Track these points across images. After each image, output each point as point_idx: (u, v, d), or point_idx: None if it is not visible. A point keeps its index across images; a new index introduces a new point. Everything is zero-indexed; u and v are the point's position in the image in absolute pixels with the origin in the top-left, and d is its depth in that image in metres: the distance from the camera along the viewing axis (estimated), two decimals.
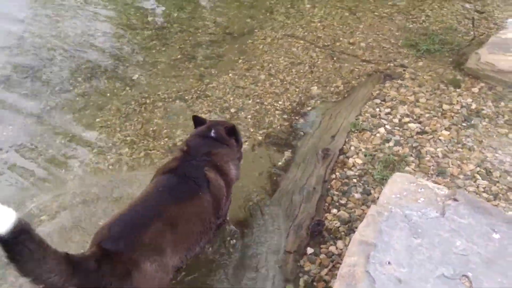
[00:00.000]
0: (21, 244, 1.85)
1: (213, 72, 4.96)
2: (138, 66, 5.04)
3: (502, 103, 4.32)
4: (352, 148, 3.91)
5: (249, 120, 4.35)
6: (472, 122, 4.11)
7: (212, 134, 3.02)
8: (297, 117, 4.33)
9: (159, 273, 2.33)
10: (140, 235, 2.30)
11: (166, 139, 4.14)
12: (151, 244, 2.31)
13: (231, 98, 4.60)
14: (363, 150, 3.88)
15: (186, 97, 4.53)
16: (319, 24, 5.74)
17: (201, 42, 5.48)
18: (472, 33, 5.42)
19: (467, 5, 6.09)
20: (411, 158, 3.78)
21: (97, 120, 4.39)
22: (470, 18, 5.78)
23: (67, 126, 4.29)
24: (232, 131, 3.07)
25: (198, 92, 4.66)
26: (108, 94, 4.66)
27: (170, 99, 4.56)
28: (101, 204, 3.47)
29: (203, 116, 3.95)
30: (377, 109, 4.32)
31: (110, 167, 3.90)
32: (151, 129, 4.27)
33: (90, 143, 4.13)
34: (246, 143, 4.05)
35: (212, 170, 2.81)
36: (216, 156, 2.91)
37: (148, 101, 4.56)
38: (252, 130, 4.23)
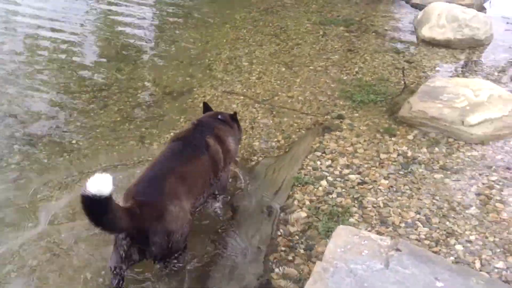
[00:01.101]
0: (109, 202, 2.46)
1: (154, 132, 4.92)
2: (77, 131, 4.92)
3: (436, 149, 4.50)
4: (296, 202, 3.93)
5: None
6: (409, 169, 4.24)
7: (219, 116, 3.84)
8: (241, 173, 4.33)
9: (182, 213, 3.03)
10: (162, 187, 3.00)
11: None
12: (171, 193, 3.02)
13: None
14: (307, 203, 3.91)
15: (128, 163, 4.43)
16: (257, 79, 5.86)
17: (140, 103, 5.44)
18: (402, 82, 5.67)
19: (397, 56, 6.42)
20: (355, 209, 3.84)
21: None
22: (400, 68, 6.08)
23: None
24: (235, 117, 3.92)
25: (140, 155, 4.58)
26: (46, 160, 4.48)
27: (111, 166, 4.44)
28: None
29: None
30: (318, 162, 4.39)
31: None
32: None
33: None
34: None
35: (212, 138, 3.55)
36: (218, 130, 3.67)
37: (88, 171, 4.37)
38: None
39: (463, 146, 4.55)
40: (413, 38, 7.06)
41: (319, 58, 6.44)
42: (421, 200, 3.91)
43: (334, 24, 7.55)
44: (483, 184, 4.08)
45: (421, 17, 7.16)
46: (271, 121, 5.04)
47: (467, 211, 3.80)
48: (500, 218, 3.73)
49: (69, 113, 5.23)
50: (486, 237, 3.55)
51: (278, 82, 5.82)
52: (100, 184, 2.37)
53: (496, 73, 6.06)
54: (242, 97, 5.50)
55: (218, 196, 3.86)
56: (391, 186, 4.07)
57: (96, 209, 2.45)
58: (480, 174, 4.18)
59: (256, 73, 6.01)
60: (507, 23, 7.66)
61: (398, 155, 4.43)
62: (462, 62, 6.38)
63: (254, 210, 3.88)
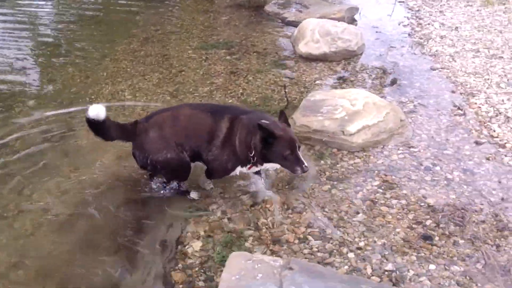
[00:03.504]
0: (105, 123, 3.74)
1: (34, 180, 4.60)
2: None
3: (322, 161, 4.65)
4: (189, 234, 3.85)
5: None
6: (299, 184, 4.33)
7: (262, 121, 3.70)
8: None
9: (160, 141, 3.89)
10: (154, 118, 3.98)
11: None
12: (158, 122, 3.93)
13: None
14: (201, 234, 3.84)
15: (5, 214, 4.11)
16: (142, 111, 5.70)
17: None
18: (285, 99, 5.82)
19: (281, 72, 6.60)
20: (250, 232, 3.83)
21: None
22: (282, 86, 6.24)
23: None
24: (265, 131, 3.67)
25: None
26: None
27: None
28: None
29: None
30: (210, 186, 4.35)
31: None
32: None
33: None
34: None
35: (229, 122, 3.88)
36: (238, 122, 3.87)
37: None
38: None
39: (346, 155, 4.75)
40: (292, 55, 7.30)
41: (203, 83, 6.44)
42: (313, 213, 4.00)
43: (216, 48, 7.61)
44: (368, 190, 4.27)
45: (297, 33, 7.42)
46: None
47: (355, 219, 3.94)
48: (386, 220, 3.91)
49: None
50: (375, 242, 3.70)
51: None
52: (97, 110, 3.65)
53: (370, 81, 6.42)
54: None
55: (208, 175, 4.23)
56: (284, 204, 4.12)
57: (95, 126, 3.74)
58: (363, 181, 4.37)
59: (140, 106, 5.87)
60: (376, 32, 8.18)
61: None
62: (339, 74, 6.67)
63: (146, 248, 3.74)
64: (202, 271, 3.51)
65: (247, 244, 3.70)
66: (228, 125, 3.89)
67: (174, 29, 8.59)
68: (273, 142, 3.68)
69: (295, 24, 8.12)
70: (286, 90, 6.03)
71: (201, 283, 3.41)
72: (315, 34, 7.10)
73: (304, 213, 4.01)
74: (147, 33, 8.37)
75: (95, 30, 8.72)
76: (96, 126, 3.75)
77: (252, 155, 3.81)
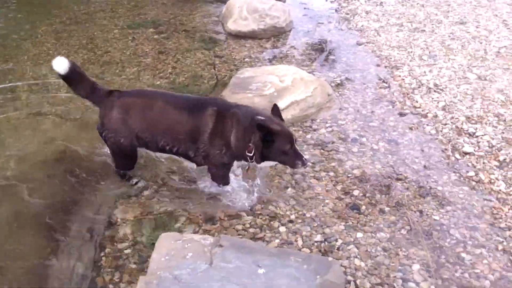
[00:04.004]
0: (73, 77, 3.77)
1: None
2: None
3: None
4: (119, 217, 3.77)
5: None
6: None
7: (258, 117, 3.51)
8: None
9: (120, 123, 3.76)
10: (125, 98, 3.81)
11: None
12: (127, 105, 3.76)
13: None
14: (132, 217, 3.77)
15: None
16: (66, 96, 5.50)
17: None
18: (215, 77, 5.78)
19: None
20: (180, 213, 3.81)
21: None
22: (211, 64, 6.19)
23: None
24: (263, 130, 3.44)
25: None
26: None
27: None
28: None
29: None
30: (139, 172, 4.27)
31: None
32: None
33: None
34: None
35: (215, 115, 3.62)
36: (229, 114, 3.62)
37: None
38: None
39: None
40: (221, 33, 7.25)
41: (130, 64, 6.28)
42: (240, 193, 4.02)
43: (143, 27, 7.42)
44: None
45: (225, 11, 7.37)
46: (90, 136, 4.74)
47: (285, 193, 4.00)
48: (315, 193, 4.00)
49: None
50: (304, 214, 3.78)
51: None
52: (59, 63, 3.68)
53: (299, 57, 6.48)
54: (51, 117, 5.12)
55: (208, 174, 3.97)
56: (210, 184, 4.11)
57: (65, 80, 3.81)
58: None
59: (64, 89, 5.63)
60: (304, 8, 8.25)
61: None
62: (268, 51, 6.69)
63: (74, 232, 3.64)
64: (133, 254, 3.45)
65: (178, 225, 3.67)
66: (215, 118, 3.61)
67: (99, 8, 8.27)
68: (273, 139, 3.48)
69: (224, 1, 8.04)
70: (216, 68, 5.99)
71: (132, 266, 3.35)
72: (243, 11, 7.07)
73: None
74: (70, 13, 8.02)
75: (13, 11, 8.24)
76: (65, 80, 3.80)
77: (252, 154, 3.57)
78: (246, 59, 6.42)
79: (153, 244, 3.35)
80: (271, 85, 5.06)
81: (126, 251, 3.47)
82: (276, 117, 3.66)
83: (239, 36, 7.03)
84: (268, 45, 6.88)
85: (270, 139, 3.46)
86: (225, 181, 3.93)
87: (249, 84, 5.15)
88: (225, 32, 7.20)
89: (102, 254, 3.45)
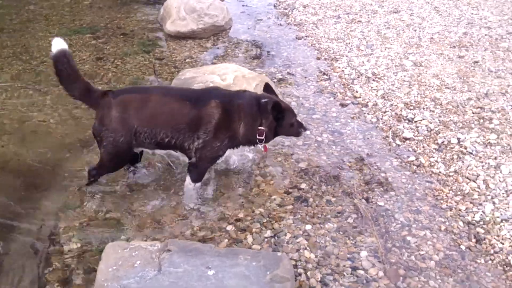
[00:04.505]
0: (62, 65, 3.56)
1: None
2: None
3: None
4: (63, 229, 3.66)
5: None
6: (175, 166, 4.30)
7: (262, 101, 3.71)
8: None
9: (118, 122, 3.64)
10: (122, 96, 3.70)
11: None
12: (122, 103, 3.65)
13: None
14: (77, 228, 3.68)
15: None
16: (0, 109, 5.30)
17: None
18: (156, 79, 5.71)
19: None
20: (128, 220, 3.74)
21: None
22: (152, 67, 6.11)
23: None
24: (275, 109, 3.66)
25: None
26: None
27: None
28: None
29: None
30: (85, 180, 4.16)
31: None
32: None
33: None
34: None
35: (220, 106, 3.64)
36: (235, 106, 3.68)
37: None
38: None
39: None
40: (160, 35, 7.16)
41: None
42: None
43: (80, 33, 7.23)
44: (243, 162, 4.34)
45: (163, 12, 7.29)
46: (25, 152, 4.60)
47: (235, 193, 4.00)
48: (261, 190, 4.02)
49: None
50: (253, 211, 3.79)
51: (26, 107, 5.34)
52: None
53: (240, 54, 6.51)
54: None
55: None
56: (156, 189, 4.07)
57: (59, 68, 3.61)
58: (241, 155, 4.42)
59: None
60: (243, 5, 8.26)
61: None
62: (209, 50, 6.67)
63: (16, 250, 3.51)
64: (80, 266, 3.36)
65: (125, 233, 3.61)
66: (220, 111, 3.64)
67: (32, 17, 7.99)
68: (283, 116, 3.75)
69: (161, 2, 7.93)
70: (156, 71, 5.92)
71: (80, 278, 3.27)
72: (181, 11, 7.01)
73: (181, 193, 3.99)
74: (1, 23, 7.72)
75: None
76: (57, 69, 3.62)
77: (263, 137, 3.73)
78: (187, 60, 6.38)
79: (101, 253, 3.30)
80: (213, 84, 5.03)
81: (73, 264, 3.38)
82: (272, 94, 3.92)
83: (178, 37, 6.97)
84: (208, 44, 6.86)
85: (281, 116, 3.73)
86: (200, 178, 3.92)
87: (190, 84, 5.11)
88: (164, 34, 7.12)
89: (47, 269, 3.34)
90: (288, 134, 4.03)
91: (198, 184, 3.90)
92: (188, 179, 3.87)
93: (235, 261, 2.88)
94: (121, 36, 7.14)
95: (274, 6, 8.22)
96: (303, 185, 4.09)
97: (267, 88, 3.96)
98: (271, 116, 3.67)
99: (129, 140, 3.68)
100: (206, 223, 3.69)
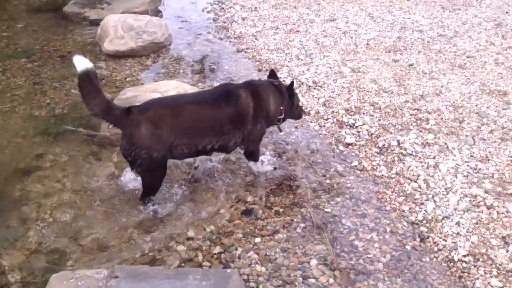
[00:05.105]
0: (86, 82, 3.53)
1: None
2: None
3: None
4: (6, 264, 3.51)
5: None
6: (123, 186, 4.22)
7: (276, 82, 4.24)
8: None
9: (150, 137, 3.60)
10: (150, 112, 3.64)
11: None
12: (151, 119, 3.60)
13: None
14: (19, 261, 3.54)
15: None
16: None
17: None
18: None
19: None
20: (73, 248, 3.64)
21: None
22: None
23: None
24: (291, 88, 4.21)
25: None
26: None
27: None
28: None
29: None
30: (28, 210, 4.01)
31: None
32: None
33: None
34: None
35: (247, 92, 3.89)
36: (259, 88, 4.04)
37: None
38: None
39: None
40: (99, 55, 7.02)
41: (3, 98, 5.88)
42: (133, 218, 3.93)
43: (15, 58, 6.98)
44: (189, 178, 4.32)
45: (100, 32, 7.15)
46: None
47: (181, 209, 3.98)
48: (210, 205, 4.03)
49: None
50: (204, 229, 3.77)
51: None
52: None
53: (181, 70, 6.47)
54: None
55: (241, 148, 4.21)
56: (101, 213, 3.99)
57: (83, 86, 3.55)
58: (186, 168, 4.39)
59: None
60: (182, 21, 8.23)
61: (108, 176, 4.37)
62: (150, 68, 6.61)
63: None
64: None
65: (71, 262, 3.51)
66: (252, 98, 3.92)
67: None
68: (293, 97, 4.29)
69: (98, 22, 7.76)
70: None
71: None
72: (119, 30, 6.90)
73: (117, 221, 3.93)
74: None
75: None
76: (81, 86, 3.57)
77: (283, 116, 4.22)
78: (128, 79, 6.28)
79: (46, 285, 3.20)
80: None
81: None
82: (276, 79, 4.39)
83: (118, 56, 6.85)
84: (149, 62, 6.79)
85: (293, 97, 4.24)
86: (259, 155, 4.32)
87: (132, 104, 5.02)
88: (103, 54, 6.99)
89: None
90: (294, 116, 4.46)
91: (260, 159, 4.34)
92: (251, 163, 4.30)
93: (185, 282, 2.85)
94: (58, 58, 6.96)
95: (213, 20, 8.22)
96: (249, 198, 4.11)
97: (272, 74, 4.38)
98: (287, 97, 4.17)
99: (164, 154, 3.70)
100: (155, 244, 3.64)
